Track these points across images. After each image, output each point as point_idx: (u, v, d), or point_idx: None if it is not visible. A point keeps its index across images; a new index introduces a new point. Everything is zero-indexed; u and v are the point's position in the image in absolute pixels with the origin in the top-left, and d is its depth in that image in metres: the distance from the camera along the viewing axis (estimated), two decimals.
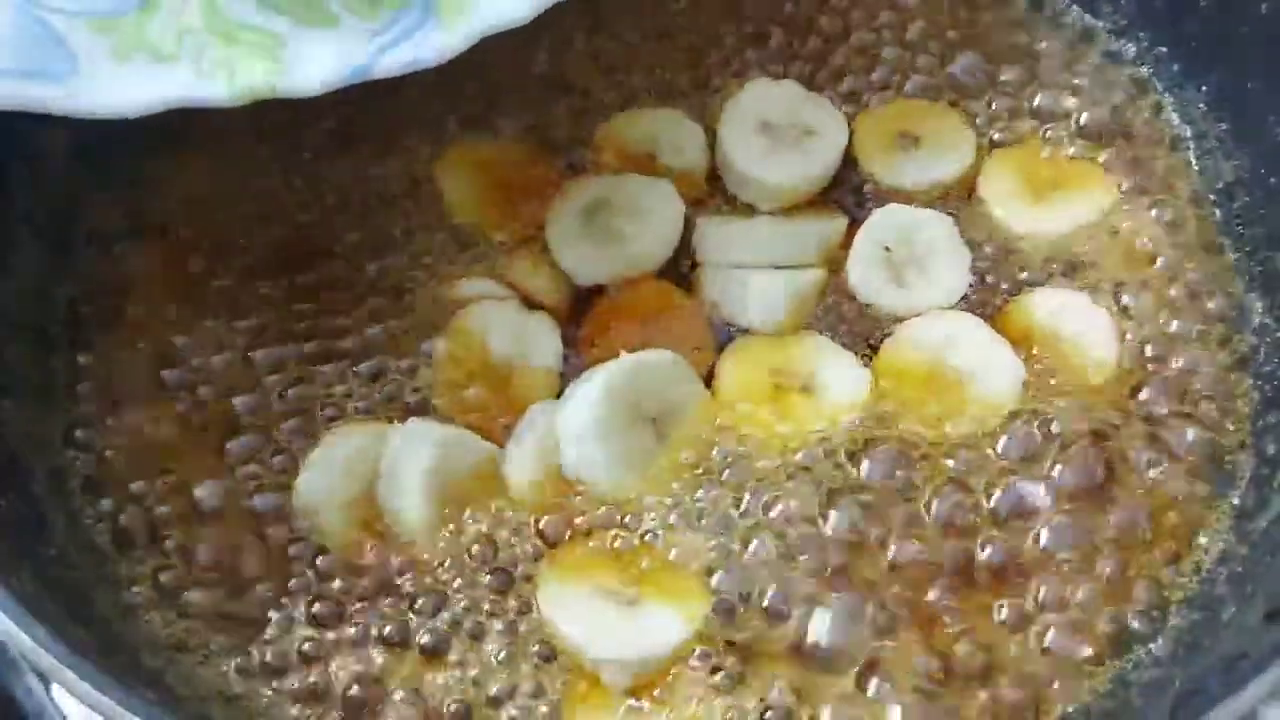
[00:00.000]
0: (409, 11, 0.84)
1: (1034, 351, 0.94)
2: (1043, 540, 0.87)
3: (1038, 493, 0.88)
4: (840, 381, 0.92)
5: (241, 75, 0.82)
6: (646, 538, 0.86)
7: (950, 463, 0.89)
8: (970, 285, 0.97)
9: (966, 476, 0.89)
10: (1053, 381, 0.93)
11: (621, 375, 0.88)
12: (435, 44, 0.83)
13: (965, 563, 0.86)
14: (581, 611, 0.82)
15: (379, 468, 0.87)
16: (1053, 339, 0.94)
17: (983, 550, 0.86)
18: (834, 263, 0.98)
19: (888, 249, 0.97)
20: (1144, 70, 1.09)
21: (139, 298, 0.98)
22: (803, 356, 0.93)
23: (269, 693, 0.83)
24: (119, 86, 0.81)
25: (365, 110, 1.00)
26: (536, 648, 0.83)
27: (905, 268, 0.97)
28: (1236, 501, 0.89)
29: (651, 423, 0.88)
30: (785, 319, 0.95)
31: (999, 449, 0.90)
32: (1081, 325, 0.95)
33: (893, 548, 0.86)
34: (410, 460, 0.86)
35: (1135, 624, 0.84)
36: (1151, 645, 0.84)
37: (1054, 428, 0.90)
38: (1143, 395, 0.93)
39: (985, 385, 0.92)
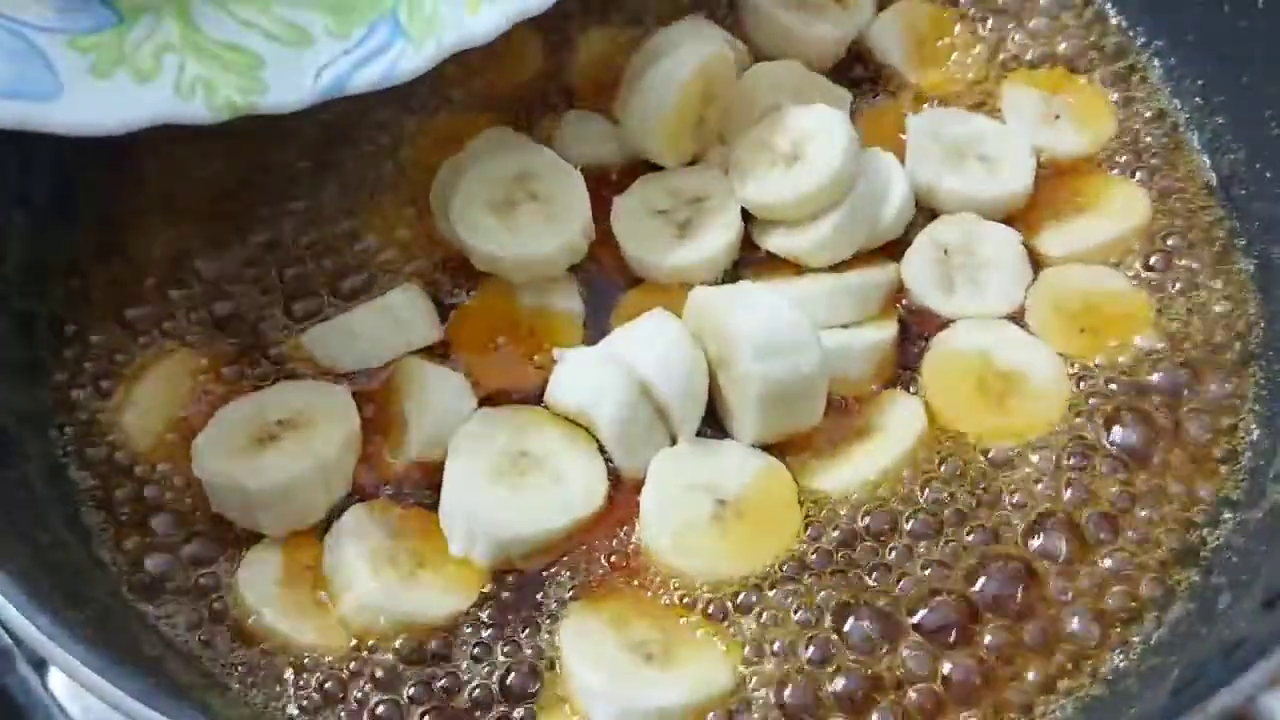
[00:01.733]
0: (377, 31, 0.86)
1: (1080, 330, 0.95)
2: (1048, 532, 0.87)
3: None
4: (896, 420, 0.90)
5: (221, 93, 0.84)
6: (697, 603, 0.84)
7: (1013, 472, 0.89)
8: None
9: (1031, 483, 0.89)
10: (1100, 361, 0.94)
11: (692, 467, 0.87)
12: (406, 63, 0.86)
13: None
14: (601, 655, 0.80)
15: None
16: (1094, 310, 0.95)
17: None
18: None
19: (946, 251, 0.97)
20: (1142, 63, 1.10)
21: (129, 279, 0.98)
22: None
23: (266, 685, 0.82)
24: (102, 105, 0.83)
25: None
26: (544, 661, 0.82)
27: (959, 274, 0.96)
28: (1233, 492, 0.90)
29: (721, 504, 0.85)
30: (868, 382, 0.93)
31: (1058, 452, 0.90)
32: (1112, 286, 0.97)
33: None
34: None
35: (1134, 613, 0.85)
36: (1151, 634, 0.84)
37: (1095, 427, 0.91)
38: (1139, 386, 0.93)
39: (1035, 384, 0.91)
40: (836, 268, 0.95)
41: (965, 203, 0.99)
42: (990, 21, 1.12)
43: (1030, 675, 0.82)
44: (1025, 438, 0.90)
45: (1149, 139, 1.06)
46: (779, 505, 0.86)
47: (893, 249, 0.98)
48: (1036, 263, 0.98)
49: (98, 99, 0.83)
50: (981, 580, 0.85)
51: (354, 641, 0.82)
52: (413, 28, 0.86)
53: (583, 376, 0.87)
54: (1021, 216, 1.00)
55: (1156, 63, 1.09)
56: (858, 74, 1.08)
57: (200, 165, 1.02)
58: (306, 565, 0.85)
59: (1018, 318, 0.95)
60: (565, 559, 0.85)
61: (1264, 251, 0.99)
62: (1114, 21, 1.12)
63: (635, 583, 0.84)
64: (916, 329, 0.95)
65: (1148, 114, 1.07)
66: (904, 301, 0.96)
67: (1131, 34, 1.11)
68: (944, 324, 0.95)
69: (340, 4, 0.87)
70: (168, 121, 0.83)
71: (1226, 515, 0.88)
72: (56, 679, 0.93)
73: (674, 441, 0.88)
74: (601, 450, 0.88)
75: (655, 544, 0.84)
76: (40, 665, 0.93)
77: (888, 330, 0.94)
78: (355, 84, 0.86)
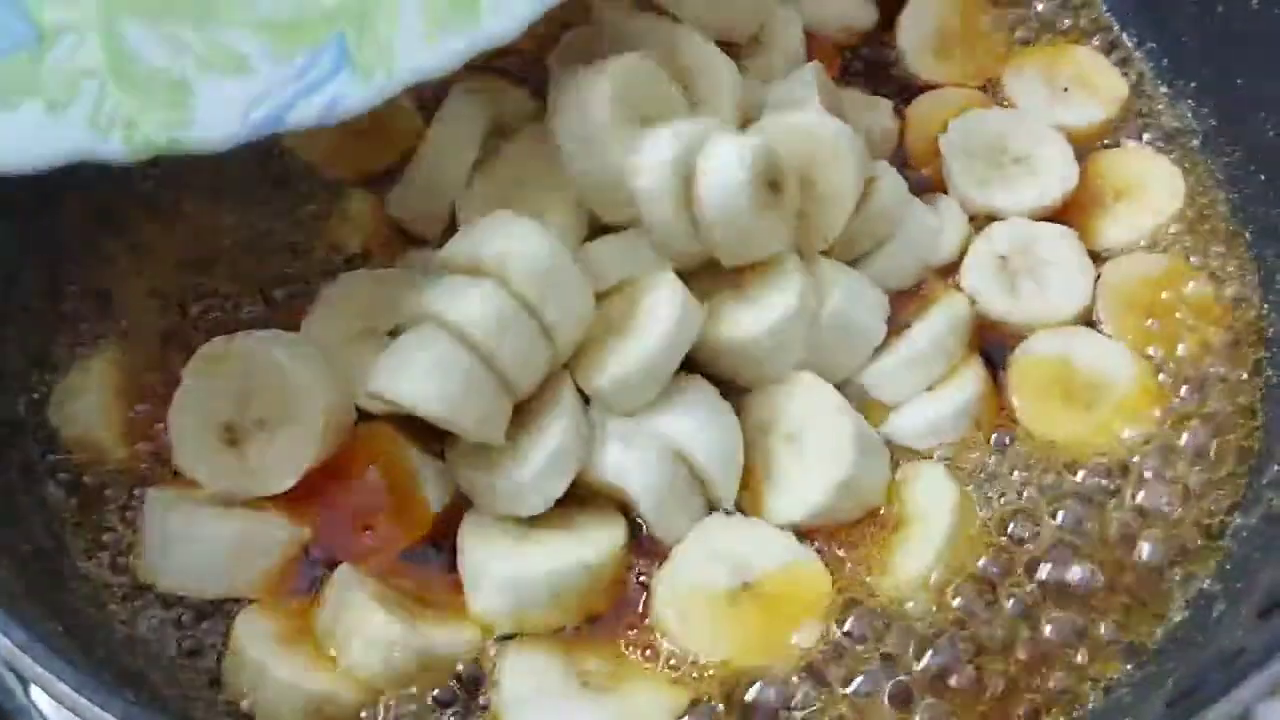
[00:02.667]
0: (321, 58, 0.78)
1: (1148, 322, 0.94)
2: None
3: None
4: (932, 516, 0.86)
5: (142, 128, 0.75)
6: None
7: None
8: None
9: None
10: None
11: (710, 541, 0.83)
12: (350, 97, 0.78)
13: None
14: (536, 670, 0.79)
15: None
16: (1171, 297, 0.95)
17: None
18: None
19: (1003, 257, 0.95)
20: (1136, 65, 1.09)
21: (99, 288, 0.96)
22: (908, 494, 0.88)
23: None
24: (7, 139, 0.74)
25: None
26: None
27: (1021, 277, 0.95)
28: (1230, 498, 0.89)
29: (743, 586, 0.82)
30: (964, 437, 0.90)
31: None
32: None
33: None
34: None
35: (1128, 619, 0.84)
36: (1146, 642, 0.83)
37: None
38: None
39: (1118, 393, 0.91)
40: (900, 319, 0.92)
41: (1017, 211, 0.98)
42: (985, 20, 1.11)
43: (1025, 684, 0.81)
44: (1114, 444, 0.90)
45: (1141, 141, 1.05)
46: (800, 604, 0.82)
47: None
48: (1093, 255, 0.97)
49: (4, 132, 0.74)
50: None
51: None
52: (361, 55, 0.77)
53: (616, 449, 0.84)
54: (1068, 209, 0.99)
55: (1150, 65, 1.09)
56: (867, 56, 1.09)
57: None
58: (300, 630, 0.82)
59: (1088, 315, 0.95)
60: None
61: (1260, 255, 0.98)
62: (1108, 24, 1.11)
63: (627, 635, 0.82)
64: (991, 338, 0.94)
65: (1140, 116, 1.06)
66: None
67: (1125, 36, 1.10)
68: (1015, 330, 0.94)
69: (282, 24, 0.77)
70: (80, 159, 0.75)
71: (1222, 521, 0.88)
72: (40, 690, 0.92)
73: (715, 508, 0.86)
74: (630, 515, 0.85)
75: (662, 609, 0.82)
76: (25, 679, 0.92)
77: (974, 378, 0.91)
78: (292, 120, 0.77)
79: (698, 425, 0.84)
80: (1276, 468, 0.89)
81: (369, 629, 0.79)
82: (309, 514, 0.85)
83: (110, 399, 0.91)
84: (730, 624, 0.81)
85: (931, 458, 0.89)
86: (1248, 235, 0.99)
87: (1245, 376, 0.93)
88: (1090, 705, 0.81)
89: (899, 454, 0.89)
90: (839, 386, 0.88)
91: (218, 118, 0.76)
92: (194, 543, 0.83)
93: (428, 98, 0.98)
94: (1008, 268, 0.95)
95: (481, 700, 0.80)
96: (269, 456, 0.84)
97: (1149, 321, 0.94)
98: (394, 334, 0.88)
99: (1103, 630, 0.83)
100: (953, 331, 0.91)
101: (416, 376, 0.79)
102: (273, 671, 0.79)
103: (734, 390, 0.88)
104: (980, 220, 0.98)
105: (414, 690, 0.80)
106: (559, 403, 0.83)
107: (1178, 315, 0.95)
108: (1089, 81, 1.06)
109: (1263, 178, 1.00)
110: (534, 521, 0.83)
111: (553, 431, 0.82)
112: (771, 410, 0.87)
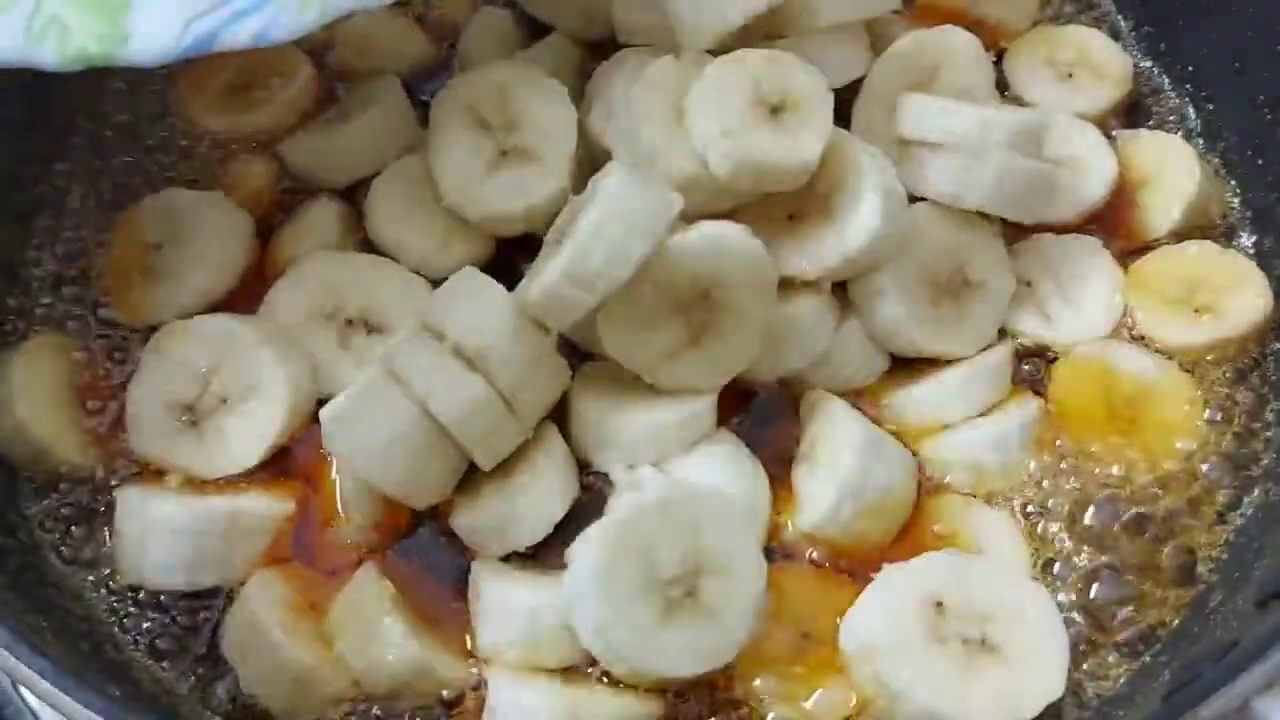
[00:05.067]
0: None
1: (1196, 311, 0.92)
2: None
3: None
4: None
5: (76, 39, 0.74)
6: None
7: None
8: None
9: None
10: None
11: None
12: (285, 22, 0.76)
13: None
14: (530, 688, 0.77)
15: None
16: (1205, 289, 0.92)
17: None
18: None
19: (1029, 283, 0.92)
20: (1132, 49, 1.07)
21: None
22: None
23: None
24: None
25: None
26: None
27: (1050, 300, 0.92)
28: (1221, 489, 0.88)
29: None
30: (1016, 465, 0.88)
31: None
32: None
33: None
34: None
35: (1124, 611, 0.83)
36: (1142, 633, 0.83)
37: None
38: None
39: (1157, 404, 0.89)
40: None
41: (1068, 218, 0.95)
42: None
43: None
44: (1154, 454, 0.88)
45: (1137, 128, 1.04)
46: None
47: None
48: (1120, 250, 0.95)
49: None
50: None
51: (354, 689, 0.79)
52: None
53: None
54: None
55: (1145, 48, 1.08)
56: None
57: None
58: (311, 604, 0.82)
59: (1121, 323, 0.92)
60: None
61: (1258, 242, 0.97)
62: (1103, 8, 1.10)
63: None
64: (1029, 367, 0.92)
65: (1134, 104, 1.05)
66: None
67: (1121, 19, 1.09)
68: (1053, 355, 0.91)
69: None
70: (12, 65, 0.75)
71: (1214, 512, 0.87)
72: None
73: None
74: None
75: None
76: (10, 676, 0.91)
77: (1031, 406, 0.88)
78: (225, 40, 0.75)
79: (721, 475, 0.82)
80: (1274, 456, 0.88)
81: (373, 627, 0.78)
82: (288, 491, 0.85)
83: (48, 399, 0.87)
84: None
85: (978, 490, 0.87)
86: (1246, 220, 0.99)
87: (1250, 364, 0.92)
88: (1089, 697, 0.80)
89: (938, 468, 0.87)
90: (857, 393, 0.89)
91: (155, 32, 0.75)
92: (179, 534, 0.81)
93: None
94: (1035, 293, 0.92)
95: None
96: (231, 434, 0.83)
97: (1181, 313, 0.92)
98: (353, 323, 0.88)
99: (1103, 623, 0.83)
100: (1000, 365, 0.89)
101: (373, 450, 0.78)
102: (268, 633, 0.78)
103: (752, 423, 0.88)
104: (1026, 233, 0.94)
105: (396, 700, 0.79)
106: (546, 452, 0.82)
107: (1201, 303, 0.92)
108: (1092, 63, 1.03)
109: (1259, 162, 0.99)
110: (547, 561, 0.81)
111: (539, 472, 0.81)
112: (789, 436, 0.87)
